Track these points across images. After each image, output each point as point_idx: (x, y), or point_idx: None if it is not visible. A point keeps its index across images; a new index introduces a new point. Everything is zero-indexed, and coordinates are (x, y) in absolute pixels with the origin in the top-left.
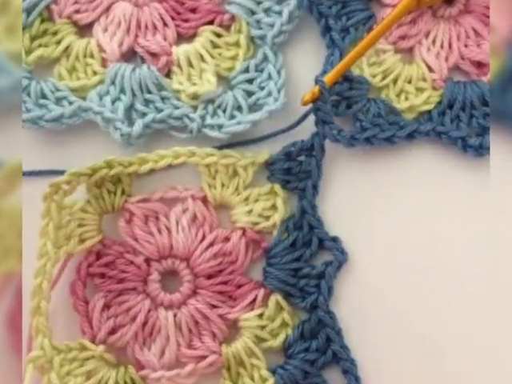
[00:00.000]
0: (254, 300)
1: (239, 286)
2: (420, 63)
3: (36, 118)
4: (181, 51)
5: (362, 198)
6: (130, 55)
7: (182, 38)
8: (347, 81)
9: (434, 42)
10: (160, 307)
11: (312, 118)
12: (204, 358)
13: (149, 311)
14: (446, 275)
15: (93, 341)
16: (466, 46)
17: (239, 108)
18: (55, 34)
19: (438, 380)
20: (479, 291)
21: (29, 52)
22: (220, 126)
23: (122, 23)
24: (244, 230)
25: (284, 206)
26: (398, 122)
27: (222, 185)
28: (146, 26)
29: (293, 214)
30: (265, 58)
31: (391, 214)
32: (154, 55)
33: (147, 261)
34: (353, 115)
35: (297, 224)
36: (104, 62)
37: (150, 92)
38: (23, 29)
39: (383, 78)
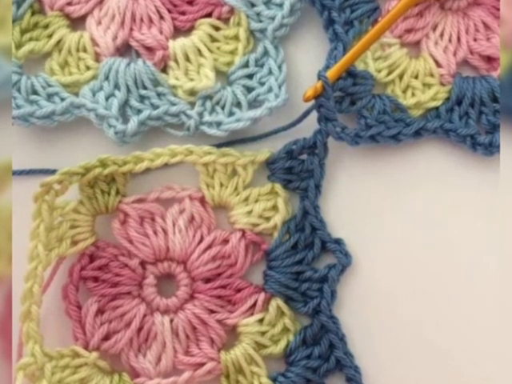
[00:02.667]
0: (254, 305)
1: (238, 290)
2: (427, 58)
3: (26, 114)
4: (177, 45)
5: (367, 198)
6: (124, 49)
7: (178, 32)
8: (351, 76)
9: (441, 35)
10: (156, 312)
11: (314, 114)
12: (202, 365)
13: (144, 316)
14: (454, 278)
15: (86, 347)
16: (475, 39)
17: (238, 104)
18: (46, 27)
19: None
20: (490, 295)
21: (19, 46)
22: (218, 124)
23: (117, 16)
24: (243, 232)
25: (285, 206)
26: (404, 119)
27: (221, 184)
28: (142, 19)
29: (294, 214)
30: (265, 53)
31: (397, 215)
32: (150, 49)
33: (142, 264)
34: (357, 112)
35: (298, 225)
36: (97, 57)
37: (145, 88)
38: (13, 21)
39: (389, 73)
